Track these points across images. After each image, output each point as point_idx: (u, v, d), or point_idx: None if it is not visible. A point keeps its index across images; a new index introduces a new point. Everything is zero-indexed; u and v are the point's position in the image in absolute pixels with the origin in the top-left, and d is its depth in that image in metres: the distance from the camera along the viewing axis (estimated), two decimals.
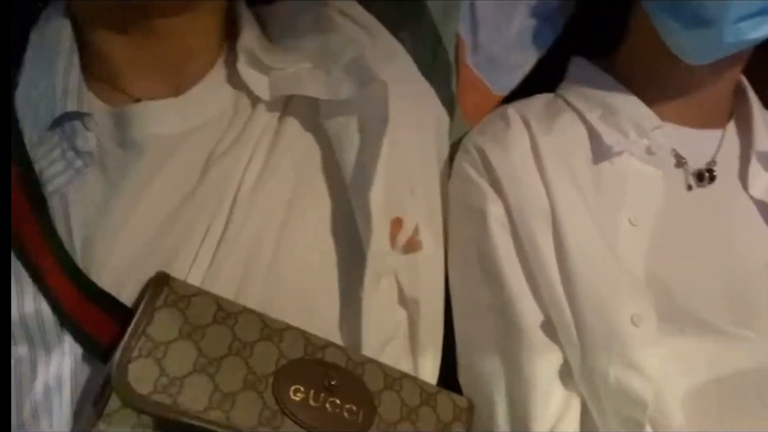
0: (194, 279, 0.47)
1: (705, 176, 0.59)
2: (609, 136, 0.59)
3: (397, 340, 0.54)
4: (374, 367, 0.49)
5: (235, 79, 0.53)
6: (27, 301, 0.45)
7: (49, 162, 0.47)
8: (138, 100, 0.50)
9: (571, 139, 0.60)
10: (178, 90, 0.51)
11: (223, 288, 0.46)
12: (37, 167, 0.47)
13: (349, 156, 0.51)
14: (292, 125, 0.53)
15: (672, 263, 0.56)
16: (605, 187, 0.58)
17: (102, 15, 0.49)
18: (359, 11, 0.57)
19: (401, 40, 0.58)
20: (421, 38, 0.64)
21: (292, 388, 0.44)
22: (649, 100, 0.61)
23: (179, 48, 0.50)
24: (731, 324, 0.53)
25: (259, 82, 0.52)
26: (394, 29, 0.58)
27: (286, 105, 0.54)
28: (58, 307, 0.45)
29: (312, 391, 0.45)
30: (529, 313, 0.54)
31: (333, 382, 0.46)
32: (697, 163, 0.60)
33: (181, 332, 0.43)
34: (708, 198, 0.59)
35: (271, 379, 0.44)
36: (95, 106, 0.50)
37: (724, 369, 0.52)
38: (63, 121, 0.48)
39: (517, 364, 0.54)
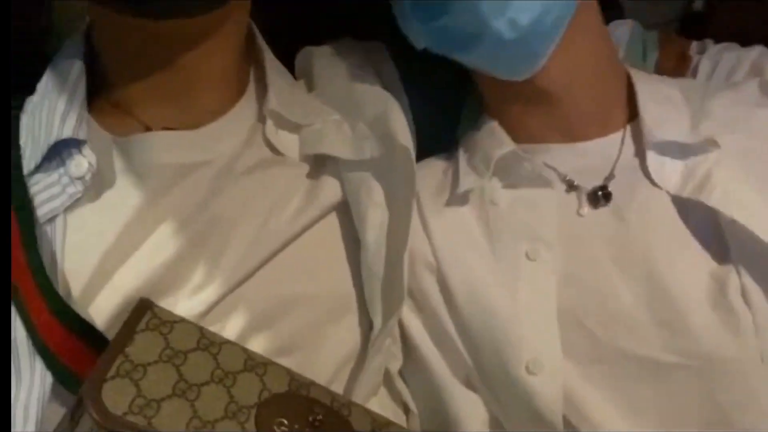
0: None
1: (599, 197, 0.53)
2: (464, 178, 0.56)
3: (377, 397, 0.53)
4: (361, 410, 0.47)
5: (254, 119, 0.54)
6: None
7: (44, 187, 0.47)
8: (149, 129, 0.50)
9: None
10: (190, 121, 0.51)
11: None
12: (30, 192, 0.46)
13: (368, 212, 0.52)
14: (306, 168, 0.54)
15: (585, 297, 0.51)
16: (496, 226, 0.55)
17: (115, 43, 0.50)
18: (389, 69, 0.59)
19: None
20: None
21: (276, 421, 0.42)
22: (513, 125, 0.57)
23: (190, 78, 0.50)
24: (664, 352, 0.48)
25: (288, 144, 0.53)
26: None
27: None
28: (33, 333, 0.43)
29: (296, 426, 0.42)
30: (440, 366, 0.54)
31: (319, 418, 0.43)
32: (591, 182, 0.54)
33: (162, 356, 0.41)
34: (612, 218, 0.52)
35: (253, 411, 0.42)
36: (96, 133, 0.50)
37: (669, 405, 0.48)
38: (61, 148, 0.48)
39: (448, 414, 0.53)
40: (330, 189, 0.53)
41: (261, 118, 0.54)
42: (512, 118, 0.57)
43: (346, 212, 0.53)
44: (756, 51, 0.65)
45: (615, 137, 0.55)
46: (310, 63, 0.59)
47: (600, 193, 0.53)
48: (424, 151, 0.58)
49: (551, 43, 0.51)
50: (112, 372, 0.39)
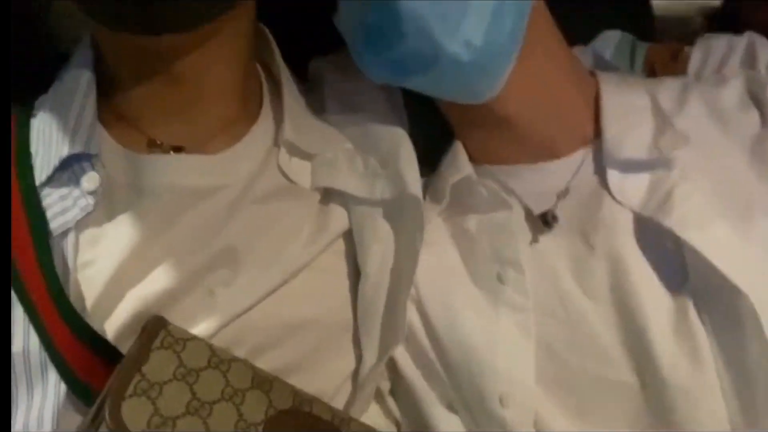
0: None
1: (548, 220, 0.53)
2: (429, 206, 0.56)
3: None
4: (359, 425, 0.49)
5: (270, 142, 0.55)
6: (17, 339, 0.44)
7: (56, 200, 0.48)
8: (154, 142, 0.51)
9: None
10: (198, 137, 0.52)
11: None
12: (43, 204, 0.47)
13: (371, 247, 0.54)
14: (316, 196, 0.55)
15: (556, 324, 0.51)
16: (470, 250, 0.55)
17: (120, 56, 0.50)
18: (398, 102, 0.60)
19: None
20: None
21: None
22: (476, 146, 0.57)
23: (193, 91, 0.51)
24: (631, 374, 0.49)
25: (300, 172, 0.54)
26: None
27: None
28: (48, 345, 0.44)
29: None
30: (424, 391, 0.55)
31: None
32: (542, 205, 0.54)
33: (176, 374, 0.43)
34: (573, 239, 0.52)
35: (260, 428, 0.44)
36: (109, 146, 0.50)
37: (634, 426, 0.49)
38: (72, 161, 0.48)
39: None
40: (338, 218, 0.55)
41: (276, 143, 0.55)
42: (474, 140, 0.57)
43: (351, 240, 0.55)
44: (746, 37, 0.63)
45: (578, 155, 0.54)
46: (322, 78, 0.61)
47: (550, 217, 0.53)
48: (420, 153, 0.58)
49: (509, 60, 0.50)
50: (130, 390, 0.41)
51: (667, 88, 0.56)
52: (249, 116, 0.55)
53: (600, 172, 0.53)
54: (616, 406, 0.50)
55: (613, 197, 0.51)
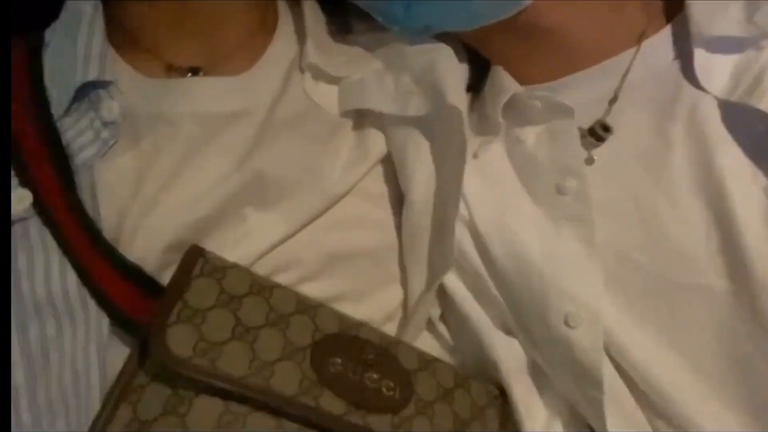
0: None
1: (598, 133, 0.50)
2: (480, 126, 0.54)
3: None
4: (407, 348, 0.48)
5: (289, 61, 0.52)
6: (54, 276, 0.43)
7: (77, 133, 0.46)
8: (171, 67, 0.50)
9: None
10: (215, 58, 0.50)
11: None
12: (64, 139, 0.46)
13: (415, 170, 0.51)
14: (349, 120, 0.53)
15: (628, 228, 0.48)
16: (526, 164, 0.52)
17: None
18: None
19: None
20: None
21: (330, 360, 0.43)
22: (515, 69, 0.54)
23: (211, 11, 0.49)
24: (716, 277, 0.45)
25: (327, 97, 0.52)
26: None
27: None
28: (86, 280, 0.43)
29: (350, 365, 0.44)
30: (479, 316, 0.53)
31: (370, 357, 0.45)
32: (595, 114, 0.51)
33: (218, 300, 0.42)
34: (649, 134, 0.49)
35: (308, 351, 0.43)
36: (124, 72, 0.49)
37: (716, 333, 0.46)
38: (88, 89, 0.47)
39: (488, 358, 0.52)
40: (376, 141, 0.52)
41: (299, 63, 0.53)
42: (515, 63, 0.54)
43: (391, 164, 0.53)
44: None
45: (629, 53, 0.51)
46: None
47: (595, 128, 0.50)
48: None
49: None
50: (173, 317, 0.40)
51: None
52: (266, 33, 0.53)
53: (681, 55, 0.49)
54: (702, 314, 0.46)
55: (695, 83, 0.48)
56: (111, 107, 0.46)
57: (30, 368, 0.43)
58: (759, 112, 0.45)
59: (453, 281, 0.53)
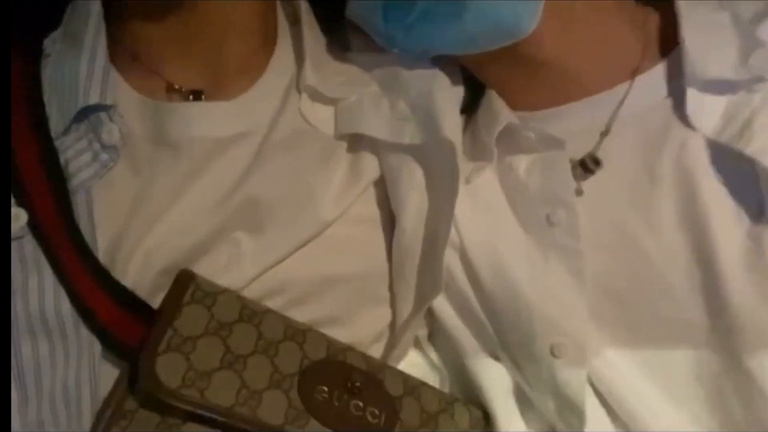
0: None
1: (588, 166, 0.51)
2: (474, 152, 0.54)
3: None
4: (393, 372, 0.49)
5: (287, 81, 0.52)
6: (47, 296, 0.44)
7: (75, 153, 0.46)
8: (172, 87, 0.50)
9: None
10: (216, 79, 0.50)
11: None
12: (62, 158, 0.46)
13: (407, 196, 0.52)
14: (344, 143, 0.53)
15: (614, 261, 0.49)
16: (517, 192, 0.53)
17: None
18: None
19: None
20: None
21: (317, 388, 0.44)
22: (509, 96, 0.54)
23: (217, 28, 0.49)
24: (697, 313, 0.46)
25: (323, 118, 0.52)
26: None
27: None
28: (79, 304, 0.44)
29: (336, 392, 0.45)
30: (466, 339, 0.54)
31: (357, 384, 0.45)
32: (586, 146, 0.51)
33: (208, 328, 0.43)
34: (637, 169, 0.49)
35: (296, 379, 0.44)
36: (125, 94, 0.49)
37: (697, 369, 0.47)
38: (89, 111, 0.47)
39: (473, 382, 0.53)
40: (369, 165, 0.53)
41: (296, 83, 0.53)
42: (509, 90, 0.54)
43: (383, 187, 0.53)
44: None
45: (622, 88, 0.51)
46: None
47: (591, 162, 0.51)
48: None
49: None
50: (163, 346, 0.41)
51: (746, 3, 0.52)
52: (266, 53, 0.53)
53: (674, 93, 0.49)
54: (681, 347, 0.48)
55: (685, 121, 0.48)
56: (111, 131, 0.46)
57: (22, 387, 0.44)
58: (746, 157, 0.45)
59: (441, 304, 0.54)
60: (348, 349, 0.48)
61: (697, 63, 0.48)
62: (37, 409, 0.43)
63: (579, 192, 0.51)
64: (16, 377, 0.44)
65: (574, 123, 0.52)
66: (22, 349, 0.44)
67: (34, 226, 0.45)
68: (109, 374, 0.43)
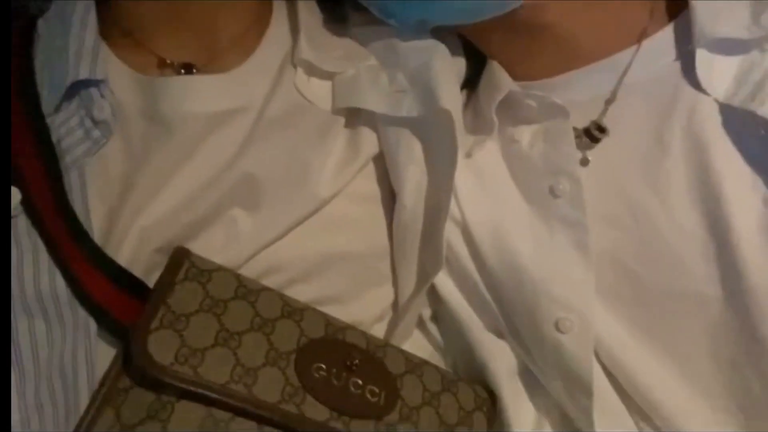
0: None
1: (593, 134, 0.49)
2: (475, 123, 0.53)
3: None
4: (395, 351, 0.48)
5: (282, 55, 0.51)
6: (43, 275, 0.44)
7: (67, 131, 0.46)
8: (164, 62, 0.49)
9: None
10: (208, 54, 0.49)
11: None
12: (54, 136, 0.45)
13: (407, 170, 0.50)
14: (342, 117, 0.52)
15: (623, 235, 0.47)
16: (520, 164, 0.51)
17: None
18: None
19: None
20: None
21: (314, 366, 0.43)
22: (511, 65, 0.52)
23: (206, 5, 0.48)
24: (710, 285, 0.45)
25: (319, 93, 0.51)
26: None
27: None
28: (74, 283, 0.43)
29: (334, 370, 0.44)
30: (469, 317, 0.52)
31: (355, 362, 0.44)
32: (591, 114, 0.49)
33: (202, 305, 0.42)
34: (645, 137, 0.47)
35: (293, 357, 0.43)
36: (116, 69, 0.48)
37: (708, 341, 0.46)
38: (80, 87, 0.46)
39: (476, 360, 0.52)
40: (368, 140, 0.51)
41: (291, 57, 0.51)
42: (511, 58, 0.52)
43: (382, 163, 0.52)
44: None
45: (628, 52, 0.49)
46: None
47: (596, 130, 0.49)
48: None
49: None
50: (155, 323, 0.40)
51: None
52: (261, 27, 0.52)
53: (682, 57, 0.47)
54: (693, 321, 0.46)
55: (695, 85, 0.46)
56: (102, 106, 0.46)
57: (19, 367, 0.44)
58: (760, 119, 0.43)
59: (444, 282, 0.53)
60: (348, 327, 0.47)
61: (706, 23, 0.46)
62: (35, 389, 0.43)
63: (584, 162, 0.50)
64: (14, 357, 0.44)
65: (578, 91, 0.50)
66: (19, 328, 0.43)
67: (27, 204, 0.44)
68: (105, 353, 0.43)
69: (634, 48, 0.49)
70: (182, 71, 0.49)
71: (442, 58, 0.51)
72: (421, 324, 0.55)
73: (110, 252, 0.44)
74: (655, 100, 0.48)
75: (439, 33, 0.53)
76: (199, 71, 0.49)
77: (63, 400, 0.43)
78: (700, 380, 0.47)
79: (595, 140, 0.49)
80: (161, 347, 0.40)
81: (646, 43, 0.49)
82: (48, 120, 0.46)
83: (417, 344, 0.54)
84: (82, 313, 0.43)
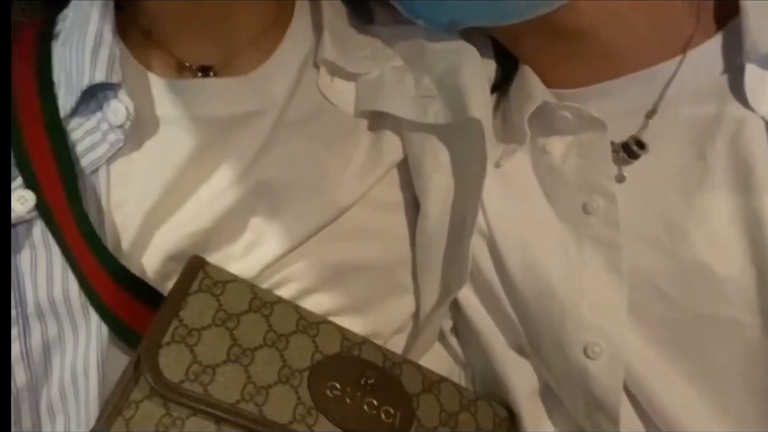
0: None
1: (633, 150, 0.46)
2: (507, 134, 0.51)
3: None
4: (412, 368, 0.46)
5: (303, 55, 0.49)
6: (56, 280, 0.43)
7: (84, 134, 0.45)
8: (182, 64, 0.48)
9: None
10: (227, 56, 0.48)
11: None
12: (71, 139, 0.45)
13: (431, 179, 0.48)
14: (365, 121, 0.50)
15: (657, 254, 0.45)
16: (552, 178, 0.49)
17: None
18: None
19: None
20: None
21: (328, 384, 0.42)
22: (547, 71, 0.50)
23: (225, 5, 0.46)
24: (746, 311, 0.42)
25: (342, 95, 0.49)
26: None
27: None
28: (87, 288, 0.43)
29: (348, 389, 0.42)
30: (492, 333, 0.51)
31: (370, 381, 0.43)
32: (630, 128, 0.47)
33: (215, 319, 0.41)
34: (684, 153, 0.45)
35: (306, 374, 0.42)
36: (134, 71, 0.47)
37: (741, 369, 0.43)
38: (96, 89, 0.45)
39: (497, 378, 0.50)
40: (392, 145, 0.49)
41: (314, 58, 0.50)
42: (546, 65, 0.50)
43: (406, 169, 0.50)
44: None
45: (672, 63, 0.46)
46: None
47: (635, 146, 0.46)
48: None
49: None
50: (167, 338, 0.39)
51: None
52: (281, 27, 0.50)
53: (730, 70, 0.45)
54: (727, 346, 0.44)
55: (743, 101, 0.44)
56: (118, 110, 0.44)
57: (31, 371, 0.43)
58: None
59: (467, 295, 0.51)
60: (364, 342, 0.45)
61: (759, 35, 0.43)
62: (46, 394, 0.42)
63: (620, 178, 0.47)
64: (26, 360, 0.43)
65: (617, 102, 0.47)
66: (32, 332, 0.43)
67: (42, 208, 0.43)
68: (117, 359, 0.42)
69: (678, 58, 0.46)
70: (200, 74, 0.47)
71: (472, 62, 0.48)
72: (441, 335, 0.53)
73: (124, 258, 0.43)
74: (699, 115, 0.45)
75: (469, 34, 0.50)
76: (217, 73, 0.47)
77: (74, 405, 0.43)
78: (731, 407, 0.45)
79: (634, 156, 0.47)
80: (172, 363, 0.39)
81: (692, 54, 0.46)
82: (65, 123, 0.45)
83: (436, 355, 0.53)
84: (94, 318, 0.43)
